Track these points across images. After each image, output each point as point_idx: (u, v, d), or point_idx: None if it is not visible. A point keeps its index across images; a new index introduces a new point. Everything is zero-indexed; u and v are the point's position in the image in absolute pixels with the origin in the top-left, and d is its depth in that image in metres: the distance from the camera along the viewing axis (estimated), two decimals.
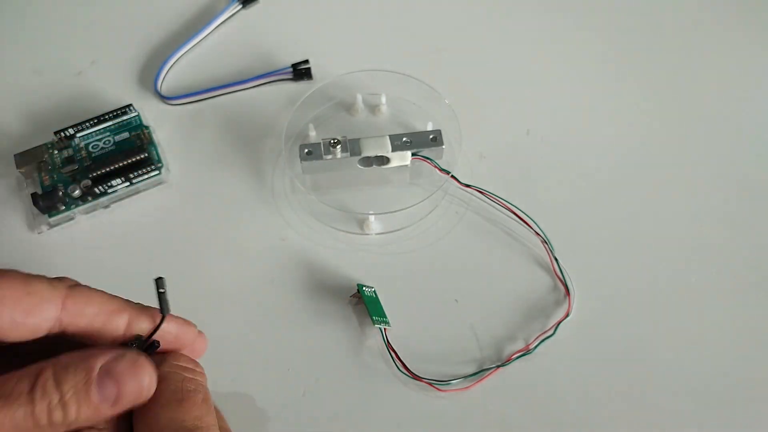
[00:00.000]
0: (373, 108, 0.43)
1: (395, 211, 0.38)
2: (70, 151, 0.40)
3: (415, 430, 0.32)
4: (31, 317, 0.21)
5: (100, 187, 0.39)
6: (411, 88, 0.43)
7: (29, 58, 0.46)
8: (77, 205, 0.38)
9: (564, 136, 0.42)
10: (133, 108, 0.42)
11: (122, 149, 0.40)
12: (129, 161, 0.39)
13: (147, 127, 0.41)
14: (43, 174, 0.39)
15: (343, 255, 0.34)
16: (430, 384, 0.32)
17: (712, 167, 0.40)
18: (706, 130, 0.42)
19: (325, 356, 0.34)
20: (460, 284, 0.36)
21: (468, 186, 0.38)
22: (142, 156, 0.39)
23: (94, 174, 0.38)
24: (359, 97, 0.42)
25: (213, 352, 0.34)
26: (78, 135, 0.41)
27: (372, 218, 0.38)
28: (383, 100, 0.43)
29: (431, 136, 0.38)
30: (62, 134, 0.41)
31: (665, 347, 0.34)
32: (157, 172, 0.40)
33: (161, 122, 0.43)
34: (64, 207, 0.38)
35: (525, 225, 0.36)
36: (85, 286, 0.23)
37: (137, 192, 0.40)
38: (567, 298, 0.35)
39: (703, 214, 0.38)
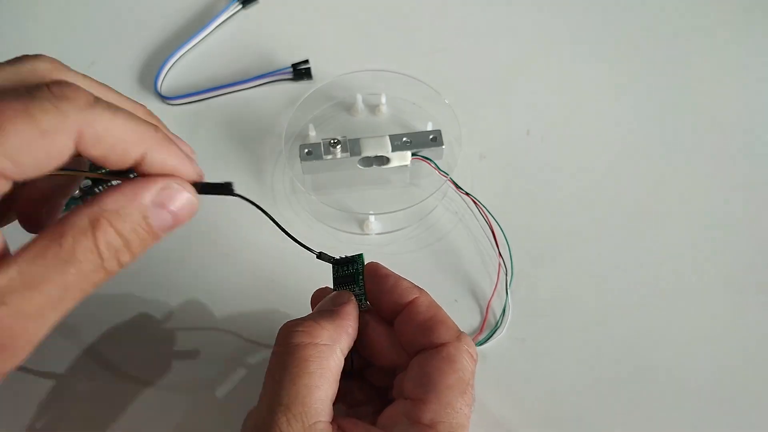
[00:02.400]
0: (373, 108, 0.43)
1: (395, 211, 0.38)
2: None
3: None
4: (46, 160, 0.20)
5: (100, 188, 0.39)
6: (411, 88, 0.43)
7: None
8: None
9: (564, 137, 0.42)
10: None
11: None
12: None
13: None
14: None
15: (344, 255, 0.33)
16: None
17: (713, 167, 0.40)
18: (707, 130, 0.42)
19: None
20: (460, 284, 0.36)
21: (466, 194, 0.38)
22: None
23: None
24: (359, 97, 0.42)
25: (212, 352, 0.34)
26: None
27: (372, 218, 0.38)
28: (383, 100, 0.43)
29: (431, 136, 0.38)
30: None
31: (661, 349, 0.34)
32: None
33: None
34: (64, 207, 0.38)
35: (495, 247, 0.36)
36: (107, 107, 0.21)
37: None
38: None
39: (705, 214, 0.38)
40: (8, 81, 0.20)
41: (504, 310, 0.35)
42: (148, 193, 0.22)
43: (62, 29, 0.48)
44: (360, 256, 0.29)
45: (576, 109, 0.43)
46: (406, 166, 0.39)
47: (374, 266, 0.29)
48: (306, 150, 0.38)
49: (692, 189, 0.40)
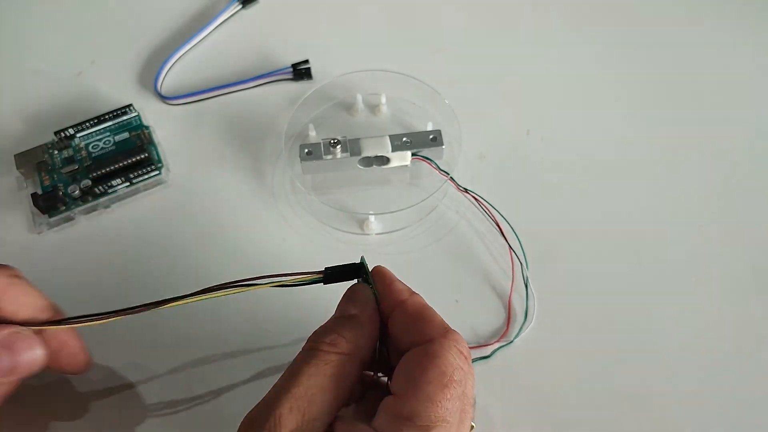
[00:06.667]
0: (373, 108, 0.43)
1: (395, 211, 0.38)
2: (70, 152, 0.40)
3: None
4: None
5: (100, 188, 0.39)
6: (411, 88, 0.43)
7: (29, 58, 0.46)
8: (77, 206, 0.38)
9: (564, 136, 0.42)
10: (133, 108, 0.42)
11: (122, 149, 0.40)
12: (129, 161, 0.39)
13: (147, 127, 0.41)
14: (43, 174, 0.40)
15: (343, 255, 0.34)
16: None
17: (713, 166, 0.40)
18: (706, 130, 0.42)
19: None
20: (460, 284, 0.36)
21: (466, 191, 0.38)
22: (142, 156, 0.39)
23: (94, 174, 0.38)
24: (359, 97, 0.42)
25: (212, 352, 0.34)
26: (78, 135, 0.41)
27: (372, 218, 0.38)
28: (383, 100, 0.43)
29: (431, 136, 0.38)
30: (62, 134, 0.41)
31: (664, 348, 0.34)
32: (157, 172, 0.40)
33: (161, 122, 0.43)
34: (64, 207, 0.38)
35: (505, 240, 0.36)
36: (24, 280, 0.26)
37: (137, 192, 0.40)
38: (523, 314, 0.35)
39: (706, 214, 0.38)
40: None
41: (526, 307, 0.35)
42: None
43: (62, 29, 0.48)
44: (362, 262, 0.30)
45: (576, 109, 0.43)
46: (406, 166, 0.39)
47: (377, 269, 0.30)
48: (306, 150, 0.38)
49: (693, 186, 0.39)
